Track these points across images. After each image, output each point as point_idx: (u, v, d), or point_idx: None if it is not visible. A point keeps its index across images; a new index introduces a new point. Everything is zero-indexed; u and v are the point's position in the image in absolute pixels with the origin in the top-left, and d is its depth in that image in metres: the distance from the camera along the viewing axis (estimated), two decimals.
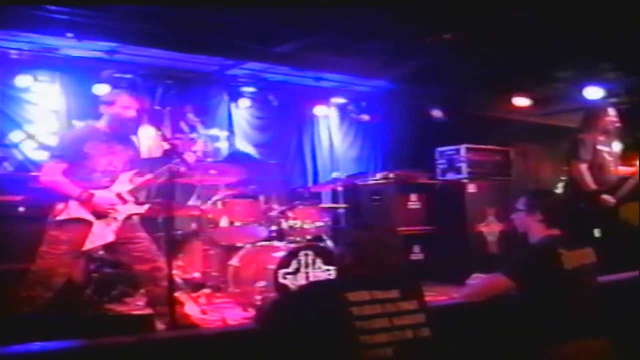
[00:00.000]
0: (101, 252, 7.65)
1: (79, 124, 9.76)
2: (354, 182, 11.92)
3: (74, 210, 6.73)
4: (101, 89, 10.26)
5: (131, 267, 7.20)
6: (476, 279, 5.32)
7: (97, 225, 6.82)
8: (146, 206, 7.33)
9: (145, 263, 7.00)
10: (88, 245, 6.79)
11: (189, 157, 7.37)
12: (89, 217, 6.78)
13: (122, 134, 7.23)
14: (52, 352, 3.76)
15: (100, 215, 6.82)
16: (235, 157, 10.87)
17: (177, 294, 7.21)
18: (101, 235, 6.84)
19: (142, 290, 8.25)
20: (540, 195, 5.45)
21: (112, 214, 6.90)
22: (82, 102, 10.48)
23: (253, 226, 9.30)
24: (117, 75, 10.49)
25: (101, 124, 7.18)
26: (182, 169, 7.23)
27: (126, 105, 7.13)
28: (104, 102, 7.19)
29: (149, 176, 7.27)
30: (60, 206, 6.75)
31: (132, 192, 7.12)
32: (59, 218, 6.73)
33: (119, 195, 7.00)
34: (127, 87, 10.25)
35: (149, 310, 7.08)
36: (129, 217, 7.08)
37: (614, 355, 4.84)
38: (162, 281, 6.84)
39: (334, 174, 11.80)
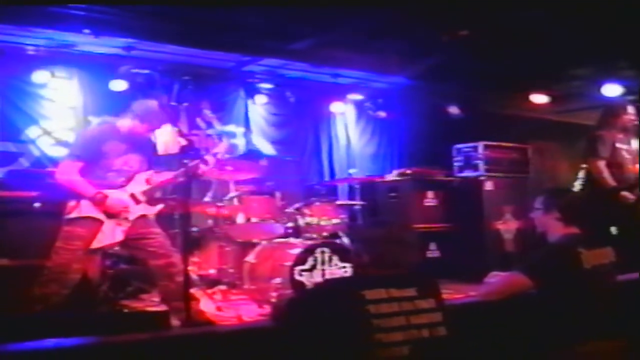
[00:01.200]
0: (117, 249, 7.63)
1: (95, 120, 9.79)
2: (370, 178, 11.90)
3: (86, 208, 6.75)
4: (118, 85, 10.28)
5: (146, 262, 7.20)
6: (494, 277, 5.29)
7: (108, 224, 6.83)
8: (159, 206, 7.31)
9: (159, 258, 6.99)
10: (96, 244, 6.80)
11: (210, 159, 7.40)
12: (100, 216, 6.79)
13: (143, 137, 7.26)
14: (67, 349, 3.75)
15: (112, 215, 6.83)
16: (252, 155, 10.84)
17: (192, 291, 7.19)
18: (110, 234, 6.85)
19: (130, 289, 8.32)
20: (558, 194, 5.43)
21: (123, 214, 6.90)
22: (99, 98, 10.51)
23: (269, 223, 9.28)
24: (134, 71, 10.48)
25: (124, 123, 7.18)
26: (202, 168, 7.24)
27: (149, 107, 7.24)
28: (143, 113, 7.17)
29: (167, 175, 7.26)
30: (72, 204, 6.77)
31: (146, 192, 7.12)
32: (70, 216, 6.76)
33: (132, 196, 7.01)
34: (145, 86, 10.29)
35: (164, 307, 7.08)
36: (141, 217, 7.08)
37: (632, 357, 4.81)
38: (176, 277, 6.85)
39: (351, 171, 11.79)
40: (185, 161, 6.91)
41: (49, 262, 6.68)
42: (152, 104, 7.38)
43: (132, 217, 6.97)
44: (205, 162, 7.25)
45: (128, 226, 6.94)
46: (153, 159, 7.39)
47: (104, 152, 6.92)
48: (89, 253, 6.88)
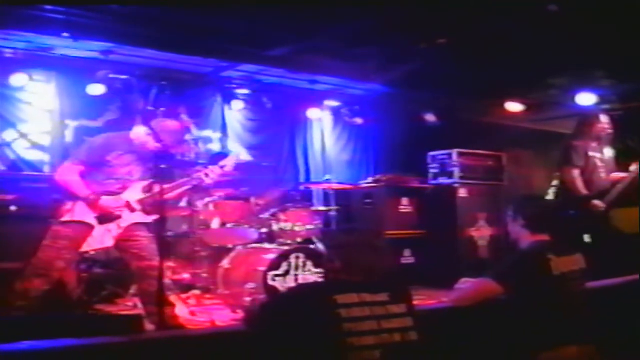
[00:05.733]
0: (92, 252, 7.64)
1: (72, 124, 9.80)
2: (345, 185, 11.94)
3: (79, 213, 6.82)
4: (96, 89, 10.28)
5: (128, 263, 7.23)
6: (465, 283, 5.34)
7: (98, 229, 6.88)
8: (153, 217, 7.31)
9: (141, 260, 7.03)
10: (85, 248, 6.88)
11: (215, 171, 7.45)
12: (91, 221, 6.85)
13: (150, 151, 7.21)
14: (41, 351, 3.77)
15: (104, 220, 6.88)
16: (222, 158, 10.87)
17: (167, 295, 7.22)
18: (100, 239, 6.92)
19: (132, 288, 8.31)
20: (524, 202, 5.49)
21: (115, 221, 6.94)
22: (76, 102, 10.51)
23: (244, 228, 9.31)
24: (112, 75, 10.49)
25: (137, 135, 7.24)
26: (205, 179, 7.32)
27: (171, 129, 7.30)
28: (160, 131, 7.17)
29: (166, 186, 7.25)
30: (67, 207, 6.84)
31: (142, 201, 7.13)
32: (63, 219, 6.83)
33: (127, 204, 7.04)
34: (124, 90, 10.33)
35: (138, 311, 7.10)
36: (132, 225, 7.11)
37: None
38: (154, 280, 6.89)
39: (326, 177, 11.83)
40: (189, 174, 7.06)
41: (34, 257, 6.73)
42: (172, 124, 7.42)
43: (123, 224, 7.01)
44: (207, 174, 7.32)
45: (119, 232, 6.98)
46: (159, 170, 7.38)
47: (108, 161, 7.00)
48: (72, 254, 6.93)
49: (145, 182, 7.18)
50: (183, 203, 9.66)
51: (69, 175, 6.89)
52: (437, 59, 10.42)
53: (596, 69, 11.01)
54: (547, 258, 4.86)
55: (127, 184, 7.09)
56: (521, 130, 14.05)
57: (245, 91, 12.33)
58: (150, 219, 7.27)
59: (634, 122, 10.72)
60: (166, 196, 7.13)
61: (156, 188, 6.98)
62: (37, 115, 10.34)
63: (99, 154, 7.04)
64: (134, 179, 7.15)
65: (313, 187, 12.49)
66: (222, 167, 7.57)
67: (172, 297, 8.23)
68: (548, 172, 10.68)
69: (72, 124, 10.20)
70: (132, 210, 7.07)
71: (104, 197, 6.87)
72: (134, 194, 7.11)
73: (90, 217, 6.85)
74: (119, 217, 6.97)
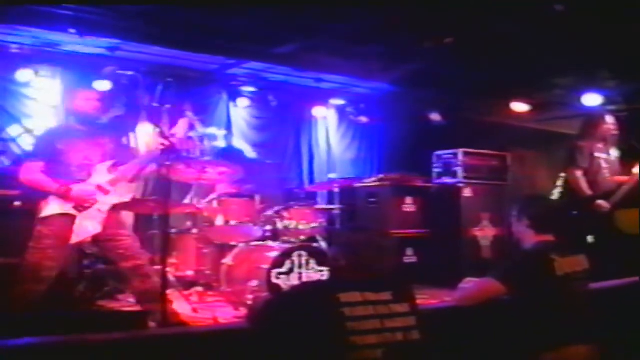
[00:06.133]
0: (95, 249, 7.66)
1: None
2: (350, 183, 11.93)
3: (56, 206, 6.83)
4: (102, 85, 10.29)
5: (116, 264, 7.24)
6: (468, 283, 5.34)
7: (81, 218, 6.88)
8: (130, 195, 7.34)
9: (127, 260, 7.04)
10: (75, 239, 6.85)
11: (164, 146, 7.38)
12: (71, 211, 6.85)
13: (91, 127, 7.28)
14: (44, 346, 3.78)
15: (83, 208, 6.89)
16: (228, 153, 10.86)
17: (168, 292, 7.22)
18: (86, 228, 6.90)
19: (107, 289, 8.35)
20: (529, 202, 5.48)
21: (95, 206, 6.94)
22: None
23: (248, 225, 9.29)
24: (118, 72, 10.49)
25: (70, 121, 7.38)
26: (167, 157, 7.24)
27: (87, 98, 7.24)
28: (67, 99, 7.30)
29: (133, 164, 7.27)
30: (42, 203, 6.86)
31: (113, 182, 7.13)
32: (42, 215, 6.83)
33: (99, 187, 7.02)
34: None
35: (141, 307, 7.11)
36: (114, 208, 7.11)
37: None
38: (145, 278, 6.97)
39: (331, 175, 11.83)
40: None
41: (23, 261, 6.76)
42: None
43: (104, 208, 7.00)
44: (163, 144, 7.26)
45: (104, 218, 6.98)
46: (118, 151, 7.40)
47: (61, 149, 6.99)
48: (62, 250, 6.91)
49: (109, 163, 7.18)
50: (188, 200, 9.68)
51: (32, 174, 6.92)
52: (443, 58, 10.42)
53: (602, 70, 11.01)
54: (551, 259, 4.87)
55: (91, 169, 7.08)
56: (526, 131, 14.05)
57: (250, 89, 12.35)
58: (126, 197, 7.32)
59: (638, 123, 10.71)
60: (132, 174, 7.27)
61: (121, 167, 7.11)
62: (42, 111, 10.35)
63: (49, 144, 7.06)
64: (95, 163, 7.13)
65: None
66: (172, 134, 7.47)
67: (174, 294, 8.25)
68: (552, 173, 10.66)
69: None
70: (106, 192, 7.06)
71: (74, 187, 6.86)
72: (102, 176, 7.09)
73: (68, 208, 6.85)
74: (95, 201, 6.96)
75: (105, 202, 7.02)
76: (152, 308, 6.48)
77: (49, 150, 6.99)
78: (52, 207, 6.82)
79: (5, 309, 6.52)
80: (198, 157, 8.59)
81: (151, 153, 7.27)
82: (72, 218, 6.85)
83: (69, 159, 7.00)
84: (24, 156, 7.48)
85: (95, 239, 7.03)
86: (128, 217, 8.94)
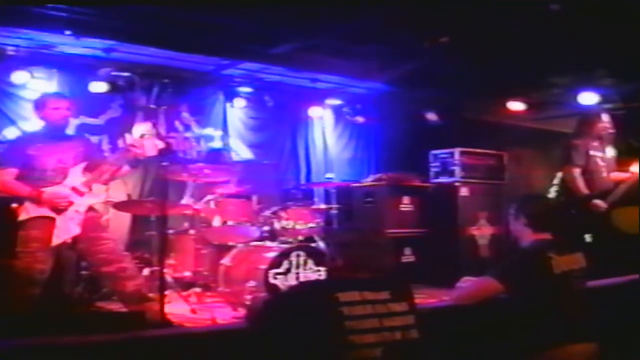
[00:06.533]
0: (76, 252, 7.67)
1: (74, 122, 9.79)
2: (347, 183, 11.93)
3: (32, 209, 6.87)
4: (98, 87, 10.29)
5: (98, 268, 7.24)
6: (466, 282, 5.35)
7: (60, 220, 6.90)
8: (103, 196, 7.37)
9: (110, 264, 7.03)
10: (56, 241, 6.87)
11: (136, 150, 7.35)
12: (49, 213, 6.87)
13: (59, 133, 7.34)
14: (43, 348, 3.77)
15: (59, 210, 6.91)
16: (215, 155, 10.86)
17: (167, 293, 7.22)
18: (66, 229, 6.91)
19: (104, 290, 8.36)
20: (527, 201, 5.47)
21: (71, 208, 6.96)
22: (78, 100, 10.46)
23: (245, 226, 9.30)
24: (114, 73, 10.49)
25: (36, 128, 7.46)
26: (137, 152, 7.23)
27: (56, 106, 7.25)
28: (35, 106, 7.34)
29: (106, 163, 7.29)
30: (20, 208, 6.91)
31: (88, 183, 7.13)
32: (20, 219, 6.88)
33: (74, 189, 7.03)
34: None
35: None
36: (93, 210, 7.17)
37: None
38: (129, 280, 7.00)
39: (328, 175, 11.84)
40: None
41: (15, 267, 6.77)
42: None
43: (81, 209, 7.02)
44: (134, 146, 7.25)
45: (82, 219, 7.00)
46: (90, 153, 7.44)
47: (32, 155, 7.02)
48: (48, 252, 6.92)
49: (83, 164, 7.20)
50: (185, 201, 9.68)
51: (3, 180, 6.98)
52: (439, 57, 10.43)
53: (598, 69, 11.00)
54: (549, 257, 4.87)
55: (66, 172, 7.09)
56: (523, 130, 14.04)
57: (247, 89, 12.33)
58: (101, 198, 7.40)
59: (636, 121, 10.73)
60: (106, 175, 7.29)
61: (93, 168, 7.16)
62: None
63: (19, 151, 7.09)
64: (69, 166, 7.15)
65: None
66: (142, 135, 7.48)
67: (172, 295, 8.26)
68: (549, 172, 10.65)
69: (74, 121, 10.17)
70: (81, 194, 7.06)
71: (46, 190, 6.88)
72: (76, 178, 7.10)
73: (45, 211, 6.88)
74: (70, 203, 6.97)
75: (81, 204, 7.05)
76: (140, 309, 6.51)
77: (21, 157, 7.03)
78: (28, 210, 6.88)
79: (2, 311, 6.54)
80: (194, 157, 8.59)
81: (123, 154, 7.26)
82: (52, 220, 6.88)
83: (43, 164, 7.04)
84: None
85: (76, 242, 7.04)
86: (124, 218, 8.97)
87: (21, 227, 6.88)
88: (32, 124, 9.81)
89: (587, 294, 5.10)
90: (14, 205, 7.06)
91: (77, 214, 6.98)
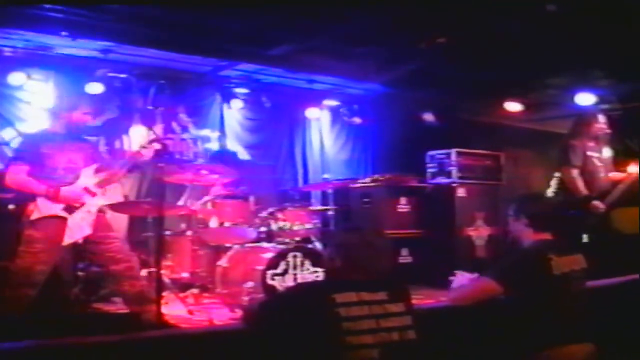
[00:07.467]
0: (85, 251, 7.67)
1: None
2: (344, 184, 11.93)
3: (45, 208, 6.84)
4: (95, 88, 10.27)
5: (106, 267, 7.23)
6: (458, 276, 5.35)
7: (72, 219, 6.90)
8: (116, 197, 7.39)
9: (118, 263, 7.05)
10: (67, 240, 6.88)
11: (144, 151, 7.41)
12: (61, 213, 6.87)
13: (75, 134, 7.35)
14: (40, 349, 3.77)
15: (72, 209, 6.91)
16: (221, 156, 10.85)
17: (164, 294, 7.22)
18: (78, 229, 6.93)
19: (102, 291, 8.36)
20: (527, 201, 5.48)
21: (83, 208, 6.98)
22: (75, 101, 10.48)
23: (242, 227, 9.27)
24: (111, 74, 10.48)
25: (55, 127, 7.40)
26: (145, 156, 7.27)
27: (86, 111, 7.30)
28: (63, 109, 7.32)
29: (115, 168, 7.31)
30: (31, 206, 6.86)
31: (100, 184, 7.15)
32: (32, 218, 6.85)
33: (86, 189, 7.05)
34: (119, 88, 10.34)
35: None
36: (101, 210, 7.18)
37: None
38: (135, 280, 7.04)
39: (325, 176, 11.83)
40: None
41: (14, 266, 6.77)
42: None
43: (93, 209, 7.04)
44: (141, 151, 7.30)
45: (93, 219, 7.01)
46: (102, 154, 7.48)
47: (45, 153, 7.01)
48: (53, 253, 6.92)
49: (95, 166, 7.22)
50: (182, 202, 9.67)
51: (18, 177, 6.96)
52: (436, 58, 10.42)
53: (595, 69, 11.00)
54: (548, 257, 4.87)
55: (78, 172, 7.11)
56: (520, 130, 14.04)
57: (244, 90, 12.31)
58: (114, 199, 7.45)
59: (633, 122, 10.74)
60: (116, 176, 7.35)
61: (104, 169, 7.20)
62: (36, 114, 10.31)
63: (32, 148, 7.09)
64: (81, 166, 7.17)
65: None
66: (166, 137, 7.50)
67: (169, 296, 8.26)
68: (546, 172, 10.67)
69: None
70: (93, 194, 7.09)
71: (62, 189, 6.89)
72: (88, 179, 7.12)
73: (58, 210, 6.88)
74: (83, 203, 6.99)
75: (93, 204, 7.06)
76: (143, 310, 6.51)
77: (33, 154, 7.02)
78: (41, 209, 6.84)
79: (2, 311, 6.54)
80: (191, 158, 8.58)
81: (132, 156, 7.28)
82: (63, 220, 6.87)
83: (54, 162, 7.04)
84: (9, 159, 7.43)
85: (86, 242, 7.03)
86: (121, 219, 8.96)
87: (30, 226, 6.85)
88: (31, 124, 9.88)
89: (586, 295, 5.10)
90: (29, 205, 6.99)
91: (89, 214, 7.00)
